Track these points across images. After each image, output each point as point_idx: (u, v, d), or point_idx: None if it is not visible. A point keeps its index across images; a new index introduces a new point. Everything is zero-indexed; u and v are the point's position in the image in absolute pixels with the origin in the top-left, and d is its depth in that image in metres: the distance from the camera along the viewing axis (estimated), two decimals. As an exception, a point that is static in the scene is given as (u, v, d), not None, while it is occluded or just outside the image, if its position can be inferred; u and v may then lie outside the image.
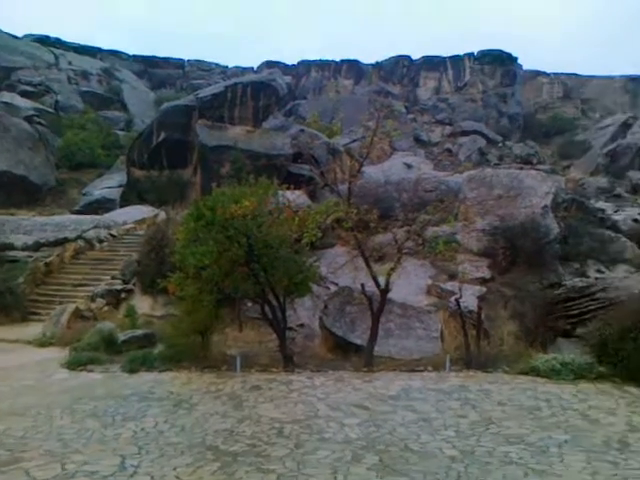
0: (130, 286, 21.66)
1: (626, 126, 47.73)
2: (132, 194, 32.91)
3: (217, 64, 69.10)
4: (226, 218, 14.38)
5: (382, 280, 15.34)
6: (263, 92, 36.56)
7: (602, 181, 39.41)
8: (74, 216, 28.11)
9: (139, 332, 17.28)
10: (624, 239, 26.14)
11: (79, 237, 24.85)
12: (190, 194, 31.21)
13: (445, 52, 62.37)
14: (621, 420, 10.74)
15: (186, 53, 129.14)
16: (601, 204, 31.44)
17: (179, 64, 65.77)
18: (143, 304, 20.30)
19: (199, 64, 67.78)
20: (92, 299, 20.57)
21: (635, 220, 28.47)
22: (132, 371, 14.39)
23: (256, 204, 14.59)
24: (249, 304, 18.34)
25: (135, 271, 22.02)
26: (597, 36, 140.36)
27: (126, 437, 9.64)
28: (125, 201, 32.17)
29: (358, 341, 16.26)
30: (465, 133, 48.87)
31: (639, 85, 60.51)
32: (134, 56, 64.28)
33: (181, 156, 33.33)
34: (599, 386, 13.05)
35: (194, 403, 11.67)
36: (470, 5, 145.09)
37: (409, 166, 36.10)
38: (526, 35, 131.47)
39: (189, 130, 33.63)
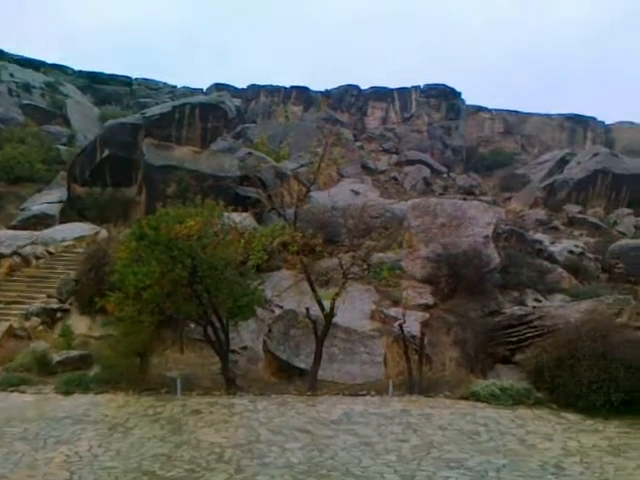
0: (67, 305, 20.93)
1: (563, 162, 49.91)
2: (72, 211, 31.97)
3: (165, 83, 68.64)
4: (170, 238, 14.21)
5: (327, 304, 15.40)
6: (212, 114, 36.42)
7: (540, 213, 40.96)
8: (10, 231, 27.03)
9: (75, 353, 16.71)
10: (560, 269, 27.16)
11: (15, 253, 23.88)
12: (134, 213, 30.57)
13: (393, 84, 63.93)
14: (557, 445, 11.05)
15: (134, 71, 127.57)
16: (539, 235, 32.65)
17: (126, 81, 64.93)
18: (80, 324, 19.65)
19: (147, 82, 67.14)
20: (26, 318, 19.74)
21: (571, 252, 29.68)
22: (66, 393, 13.88)
23: (201, 224, 14.47)
24: (192, 326, 18.04)
25: (73, 290, 21.32)
26: (534, 75, 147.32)
27: (58, 461, 9.25)
28: (65, 217, 31.20)
29: (302, 365, 16.21)
30: (411, 162, 49.95)
31: (575, 123, 63.71)
32: (79, 71, 63.12)
33: (125, 174, 32.69)
34: (536, 412, 13.42)
35: (130, 427, 11.32)
36: (417, 40, 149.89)
37: (356, 193, 36.62)
38: (467, 72, 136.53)
39: (135, 148, 33.08)
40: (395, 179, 47.98)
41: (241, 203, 26.03)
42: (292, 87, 62.13)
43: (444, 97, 59.03)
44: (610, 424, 12.57)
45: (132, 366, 14.92)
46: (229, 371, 15.07)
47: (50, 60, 61.68)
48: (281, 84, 62.92)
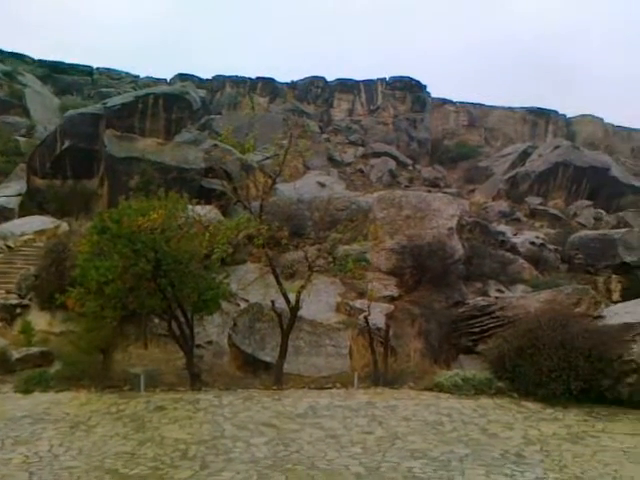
0: (26, 301, 20.44)
1: (525, 155, 50.72)
2: (32, 203, 31.19)
3: (128, 73, 67.19)
4: (133, 231, 13.98)
5: (292, 297, 15.38)
6: (176, 104, 35.92)
7: (503, 205, 41.59)
8: (-34, 226, 26.27)
9: (35, 350, 16.34)
10: (522, 261, 27.68)
11: (-29, 248, 23.25)
12: (95, 206, 29.99)
13: (359, 76, 63.87)
14: (518, 434, 11.29)
15: (95, 60, 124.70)
16: (502, 227, 33.17)
17: (87, 71, 63.39)
18: (40, 320, 19.22)
19: (108, 72, 65.63)
20: (-17, 314, 19.23)
21: (532, 243, 30.26)
22: (26, 391, 13.57)
23: (164, 217, 14.27)
24: (156, 321, 17.84)
25: (32, 285, 20.82)
26: (499, 69, 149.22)
27: (17, 462, 9.05)
28: (24, 211, 30.40)
29: (268, 358, 16.18)
30: (377, 155, 50.07)
31: (537, 117, 64.75)
32: (39, 60, 61.39)
33: (87, 166, 32.05)
34: (498, 401, 13.67)
35: (93, 425, 11.14)
36: (382, 31, 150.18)
37: (322, 185, 36.56)
38: (434, 65, 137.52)
39: (96, 139, 32.43)
40: (361, 171, 48.07)
41: (206, 196, 25.77)
42: (258, 78, 61.56)
43: (409, 90, 59.25)
44: (569, 412, 12.89)
45: (94, 363, 14.69)
46: (194, 366, 14.95)
47: (8, 48, 59.81)
48: (247, 75, 62.34)
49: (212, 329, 18.78)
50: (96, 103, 39.96)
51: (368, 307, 16.93)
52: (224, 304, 17.32)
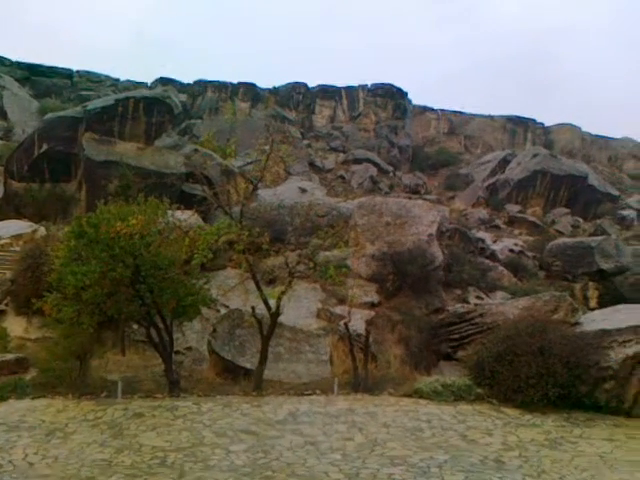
0: (2, 306, 20.14)
1: (505, 162, 51.26)
2: (9, 207, 30.80)
3: (108, 76, 66.69)
4: (111, 236, 13.85)
5: (273, 303, 15.34)
6: (157, 108, 35.66)
7: (483, 212, 42.00)
8: (-59, 229, 25.81)
9: (10, 356, 16.08)
10: (501, 267, 27.95)
11: (-55, 252, 22.83)
12: (73, 210, 29.68)
13: (340, 82, 64.05)
14: (497, 440, 11.36)
15: (75, 63, 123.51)
16: (481, 234, 33.50)
17: (67, 74, 62.81)
18: (16, 326, 18.92)
19: (88, 75, 65.10)
20: (-43, 320, 18.88)
21: (511, 250, 30.60)
22: (1, 398, 13.32)
23: (144, 222, 14.16)
24: (134, 327, 17.66)
25: (8, 290, 20.51)
26: (479, 78, 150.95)
27: (-11, 471, 8.87)
28: (1, 215, 29.98)
29: (247, 365, 16.10)
30: (358, 161, 50.29)
31: (516, 125, 65.55)
32: (17, 62, 60.67)
33: (65, 170, 31.71)
34: (477, 407, 13.74)
35: (70, 432, 10.99)
36: (366, 40, 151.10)
37: (303, 190, 36.56)
38: (414, 72, 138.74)
39: (75, 143, 32.10)
40: (342, 177, 48.23)
41: (186, 201, 25.46)
42: (240, 83, 61.47)
43: (391, 96, 59.62)
44: (547, 418, 13.01)
45: (71, 369, 14.50)
46: (173, 373, 14.82)
47: (-15, 50, 59.00)
48: (228, 80, 62.22)
49: (191, 335, 18.66)
50: (76, 106, 39.56)
51: (348, 313, 16.94)
52: (204, 310, 17.22)
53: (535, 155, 48.56)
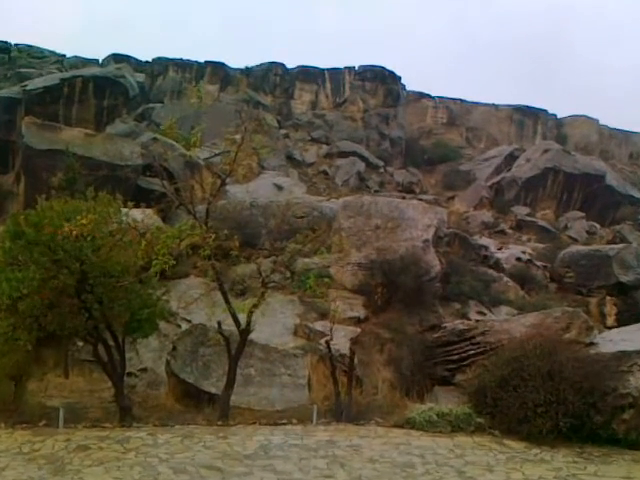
0: None
1: (512, 158, 51.83)
2: None
3: (53, 52, 66.18)
4: (54, 238, 13.73)
5: (243, 318, 15.29)
6: (109, 90, 35.62)
7: (486, 215, 42.35)
8: None
9: None
10: (506, 279, 28.20)
11: None
12: (10, 206, 29.44)
13: (324, 63, 64.27)
14: (499, 477, 11.42)
15: (14, 36, 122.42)
16: (484, 240, 33.75)
17: (3, 47, 62.21)
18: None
19: (29, 50, 64.53)
20: None
21: (518, 259, 30.86)
22: None
23: (94, 222, 14.05)
24: (79, 344, 17.51)
25: None
26: (482, 61, 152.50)
27: None
28: None
29: (212, 389, 16.05)
30: (343, 154, 50.42)
31: (525, 116, 66.16)
32: (-54, 35, 59.99)
33: (1, 159, 31.46)
34: (477, 439, 13.81)
35: (1, 467, 10.83)
36: (351, 15, 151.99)
37: (279, 188, 36.65)
38: (409, 54, 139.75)
39: (12, 128, 31.92)
40: (325, 173, 48.33)
41: (143, 197, 25.32)
42: (207, 62, 61.32)
43: (381, 81, 59.81)
44: (557, 453, 13.10)
45: (4, 393, 14.36)
46: (124, 398, 14.71)
47: None
48: (194, 58, 62.04)
49: (147, 354, 18.56)
50: (13, 85, 39.23)
51: (330, 330, 16.93)
52: (162, 325, 17.15)
53: (546, 151, 49.14)
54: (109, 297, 14.53)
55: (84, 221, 13.68)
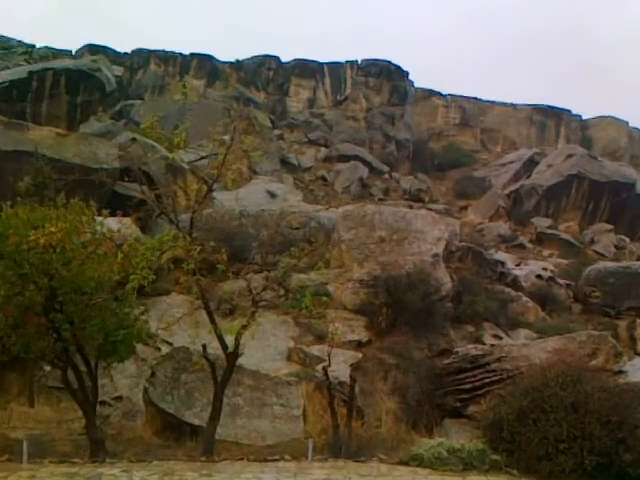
0: None
1: (532, 163, 51.98)
2: None
3: (20, 41, 66.39)
4: (20, 249, 13.73)
5: (230, 340, 15.27)
6: (83, 84, 35.71)
7: (503, 227, 42.44)
8: None
9: None
10: (525, 299, 28.21)
11: None
12: (-29, 214, 29.39)
13: (323, 57, 64.42)
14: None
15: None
16: (501, 255, 33.78)
17: (-35, 37, 62.48)
18: None
19: (-6, 39, 64.83)
20: None
21: (539, 276, 30.90)
22: None
23: (65, 232, 14.06)
24: (46, 369, 17.46)
25: None
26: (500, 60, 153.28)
27: None
28: None
29: (195, 421, 16.04)
30: (344, 158, 50.50)
31: (547, 116, 66.39)
32: None
33: (-40, 162, 31.47)
34: (492, 479, 13.76)
35: (-44, 508, 10.79)
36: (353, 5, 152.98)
37: (272, 195, 36.70)
38: (418, 48, 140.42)
39: (-25, 127, 31.91)
40: (323, 179, 48.45)
41: (120, 205, 25.40)
42: (192, 54, 61.58)
43: (387, 76, 59.98)
44: (582, 494, 13.06)
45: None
46: (96, 430, 14.67)
47: None
48: (178, 50, 62.28)
49: (123, 381, 18.50)
50: (-24, 79, 39.31)
51: (328, 355, 16.91)
52: (139, 348, 17.12)
53: (570, 155, 49.29)
54: (81, 316, 14.51)
55: (53, 229, 13.68)
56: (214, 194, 28.34)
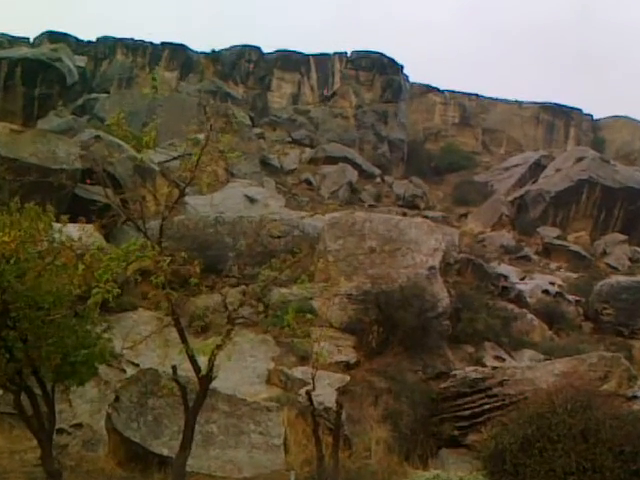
0: None
1: (538, 167, 52.28)
2: None
3: (-28, 28, 66.34)
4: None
5: (203, 362, 15.24)
6: (41, 75, 35.53)
7: (506, 237, 42.62)
8: None
9: None
10: (531, 316, 28.31)
11: None
12: None
13: (309, 47, 64.58)
14: None
15: None
16: (504, 268, 33.89)
17: None
18: None
19: (-57, 25, 64.63)
20: None
21: (545, 291, 31.02)
22: None
23: (19, 240, 14.02)
24: (-2, 393, 17.35)
25: None
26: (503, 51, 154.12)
27: None
28: None
29: (164, 451, 15.95)
30: (331, 160, 50.55)
31: (555, 116, 66.73)
32: None
33: None
34: (493, 515, 13.79)
35: None
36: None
37: (252, 200, 36.71)
38: (413, 41, 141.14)
39: None
40: (308, 183, 48.53)
41: (82, 210, 25.45)
42: (164, 44, 61.66)
43: (379, 70, 60.19)
44: (592, 532, 13.09)
45: None
46: (53, 461, 14.57)
47: None
48: (148, 39, 62.29)
49: (83, 406, 18.42)
50: None
51: (313, 378, 16.90)
52: (102, 369, 17.04)
53: (580, 159, 49.58)
54: (36, 334, 14.41)
55: (6, 238, 13.62)
56: (187, 199, 28.36)
